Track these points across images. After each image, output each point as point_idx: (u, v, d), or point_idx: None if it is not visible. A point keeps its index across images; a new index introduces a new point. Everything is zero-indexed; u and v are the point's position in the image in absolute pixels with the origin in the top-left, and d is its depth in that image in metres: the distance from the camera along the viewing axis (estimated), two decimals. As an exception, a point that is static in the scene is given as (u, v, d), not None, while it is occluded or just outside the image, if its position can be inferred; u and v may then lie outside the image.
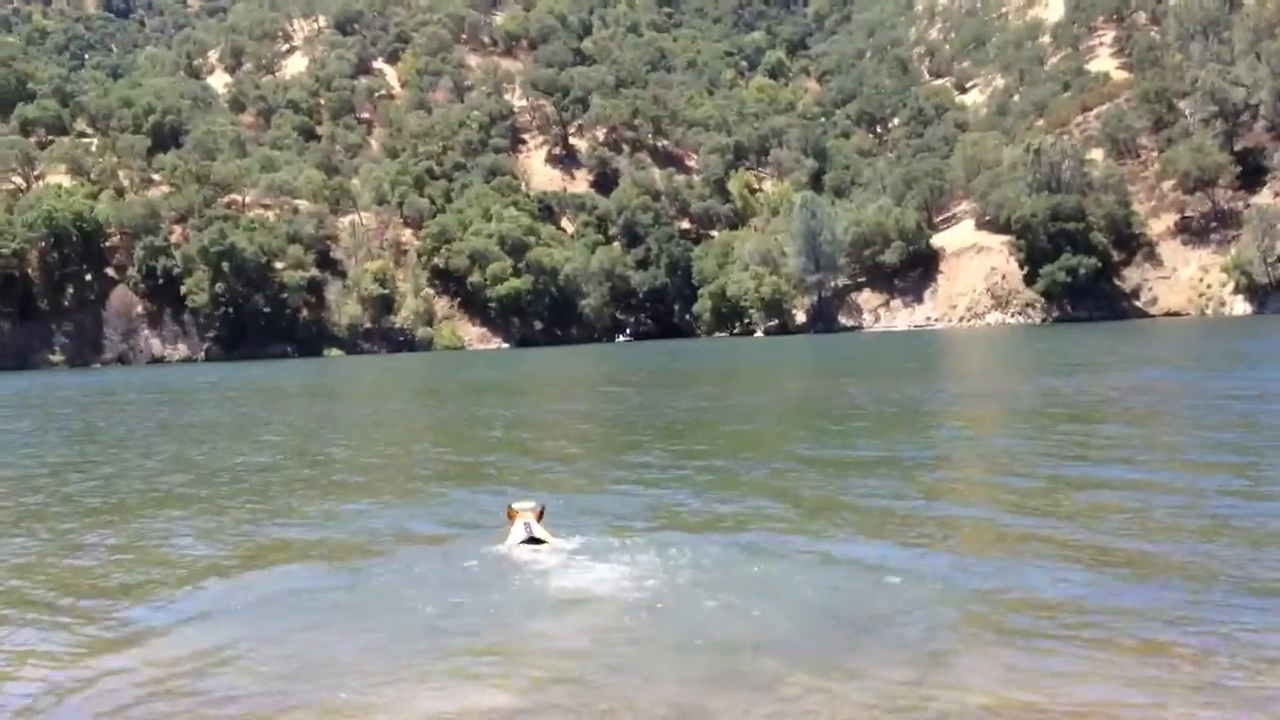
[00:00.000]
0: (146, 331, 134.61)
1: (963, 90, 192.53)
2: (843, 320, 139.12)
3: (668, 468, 15.76)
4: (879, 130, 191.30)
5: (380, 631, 7.68)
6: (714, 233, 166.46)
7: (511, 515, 10.42)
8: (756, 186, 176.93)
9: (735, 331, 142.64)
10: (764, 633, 7.28)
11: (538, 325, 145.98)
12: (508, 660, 7.01)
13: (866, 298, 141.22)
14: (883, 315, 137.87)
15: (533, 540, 10.00)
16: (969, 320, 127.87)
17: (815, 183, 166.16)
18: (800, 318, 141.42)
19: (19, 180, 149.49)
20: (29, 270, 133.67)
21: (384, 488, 14.93)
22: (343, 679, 6.69)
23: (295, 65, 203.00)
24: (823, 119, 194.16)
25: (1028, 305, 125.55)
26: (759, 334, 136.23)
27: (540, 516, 10.34)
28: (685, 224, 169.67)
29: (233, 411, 34.48)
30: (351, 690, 6.49)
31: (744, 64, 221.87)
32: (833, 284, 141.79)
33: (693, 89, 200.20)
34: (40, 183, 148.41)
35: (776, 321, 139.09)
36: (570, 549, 9.93)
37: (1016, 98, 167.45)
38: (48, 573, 10.11)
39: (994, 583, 8.45)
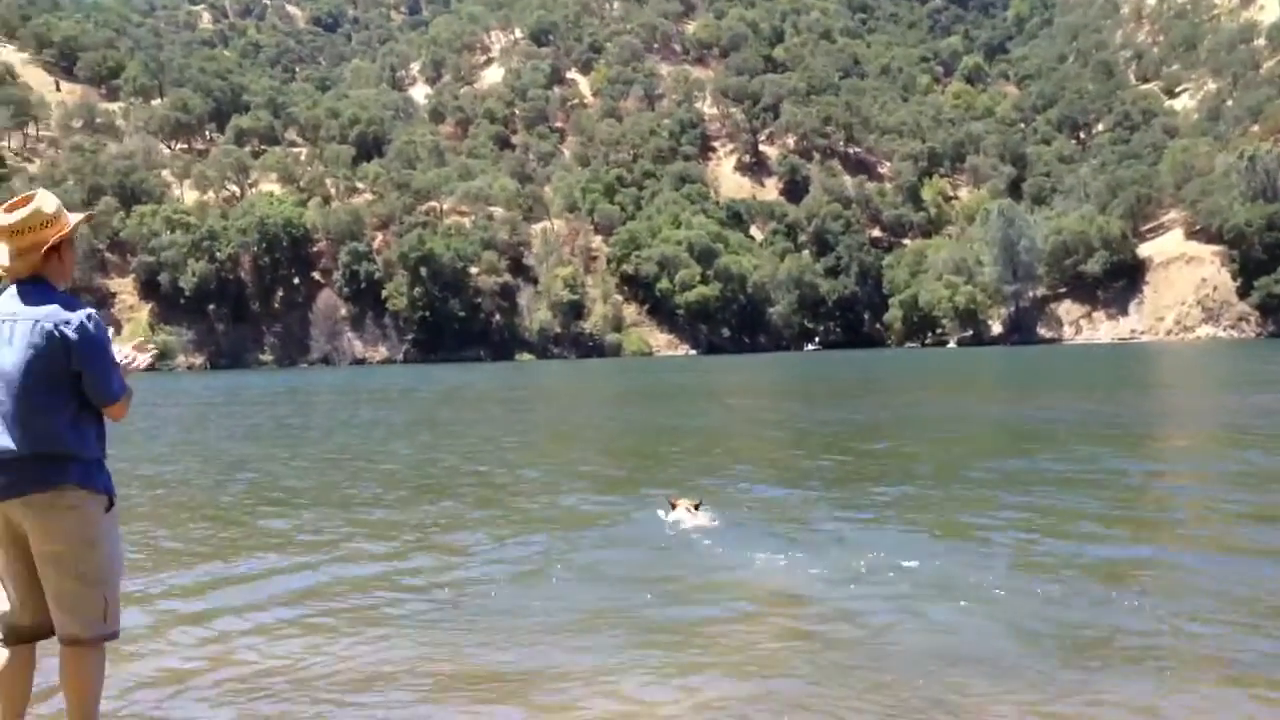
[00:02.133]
0: (349, 333, 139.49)
1: (1172, 95, 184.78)
2: (1041, 331, 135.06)
3: (861, 476, 15.34)
4: (1082, 136, 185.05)
5: (585, 619, 7.55)
6: (906, 241, 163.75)
7: (674, 504, 10.96)
8: (951, 194, 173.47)
9: (927, 342, 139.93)
10: (971, 644, 6.79)
11: (725, 333, 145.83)
12: (711, 652, 6.74)
13: (1067, 309, 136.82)
14: (1084, 327, 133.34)
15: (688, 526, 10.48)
16: (1177, 334, 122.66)
17: (1013, 190, 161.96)
18: (995, 328, 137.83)
19: (234, 188, 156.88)
20: (242, 274, 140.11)
21: (570, 483, 14.85)
22: (546, 664, 6.54)
23: (492, 76, 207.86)
24: (1022, 124, 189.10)
25: (1241, 319, 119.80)
26: (951, 344, 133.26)
27: (697, 508, 10.82)
28: (876, 232, 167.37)
29: (472, 411, 35.21)
30: (558, 676, 6.32)
31: (940, 69, 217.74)
32: (1031, 294, 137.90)
33: (886, 95, 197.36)
34: (253, 190, 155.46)
35: (970, 332, 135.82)
36: (755, 549, 9.69)
37: (1230, 102, 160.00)
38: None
39: (1222, 601, 7.75)
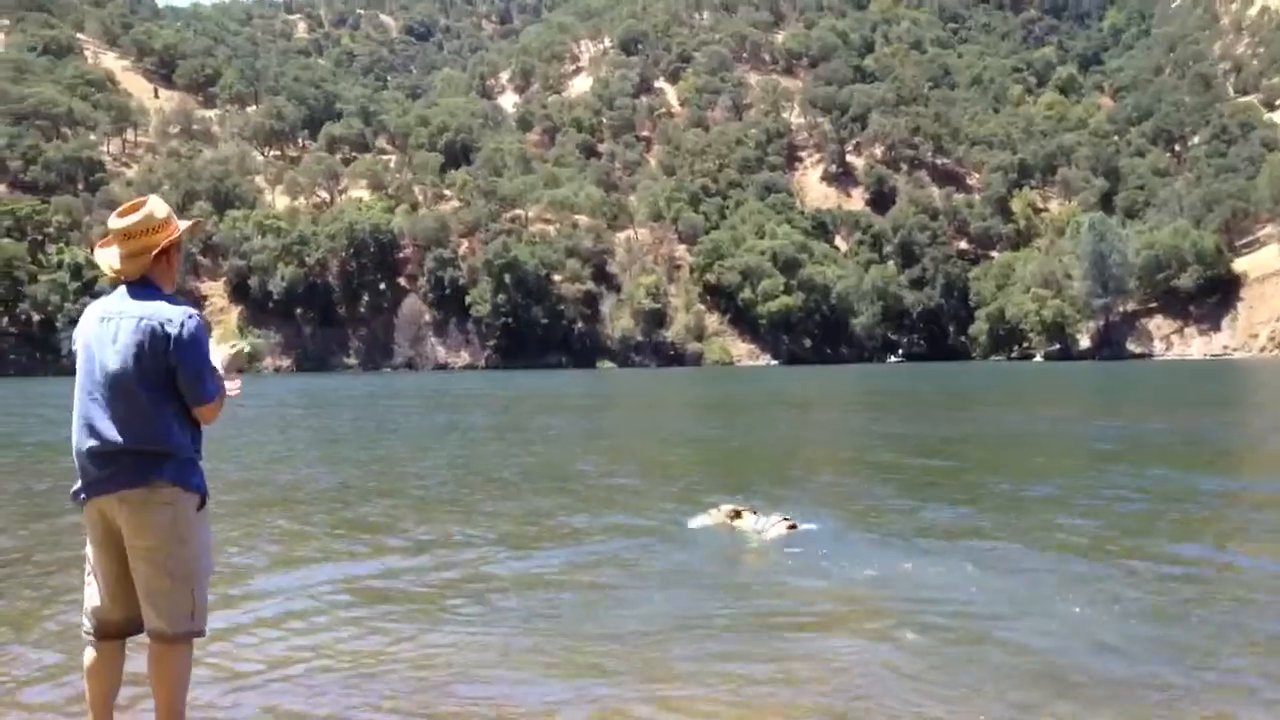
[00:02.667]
0: (433, 339, 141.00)
1: (1271, 108, 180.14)
2: (1130, 347, 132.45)
3: (941, 490, 15.05)
4: (1177, 149, 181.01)
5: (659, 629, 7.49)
6: (994, 253, 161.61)
7: (731, 515, 10.84)
8: (1041, 206, 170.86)
9: (1013, 355, 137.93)
10: (1050, 661, 6.62)
11: (807, 343, 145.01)
12: (784, 664, 6.64)
13: (1158, 324, 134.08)
14: (1175, 343, 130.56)
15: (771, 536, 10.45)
16: (1271, 350, 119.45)
17: (1105, 203, 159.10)
18: (1084, 343, 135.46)
19: (324, 194, 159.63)
20: (330, 279, 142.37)
21: (652, 490, 14.77)
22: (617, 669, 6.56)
23: (580, 85, 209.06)
24: (1115, 137, 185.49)
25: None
26: (1038, 358, 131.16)
27: (738, 516, 10.83)
28: (963, 244, 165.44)
29: (553, 416, 35.41)
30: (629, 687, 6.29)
31: (1032, 80, 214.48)
32: (1121, 309, 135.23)
33: (977, 106, 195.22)
34: (343, 196, 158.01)
35: (1057, 346, 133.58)
36: (829, 560, 9.62)
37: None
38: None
39: None
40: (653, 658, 6.78)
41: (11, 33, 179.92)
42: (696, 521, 11.02)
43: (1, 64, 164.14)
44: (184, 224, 4.93)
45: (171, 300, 4.72)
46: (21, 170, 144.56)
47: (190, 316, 4.66)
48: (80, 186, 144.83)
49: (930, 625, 7.48)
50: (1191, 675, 6.33)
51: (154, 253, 4.74)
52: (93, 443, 4.59)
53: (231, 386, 4.93)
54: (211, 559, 4.88)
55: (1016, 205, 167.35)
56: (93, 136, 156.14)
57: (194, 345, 4.62)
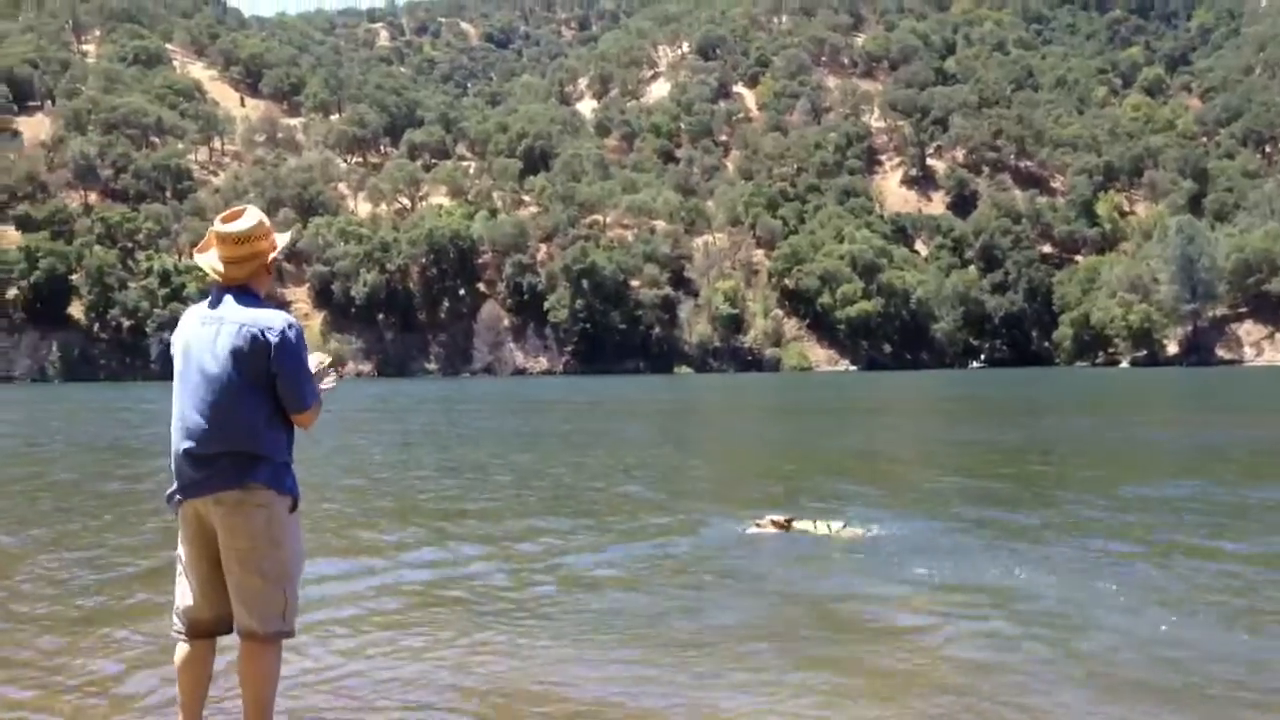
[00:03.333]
0: (511, 344, 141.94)
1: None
2: (1219, 353, 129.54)
3: (1017, 498, 14.85)
4: (1267, 150, 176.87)
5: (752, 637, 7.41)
6: (1078, 257, 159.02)
7: (781, 525, 10.72)
8: (1127, 209, 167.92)
9: (1097, 361, 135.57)
10: (1124, 675, 6.43)
11: (887, 349, 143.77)
12: (849, 672, 6.53)
13: (1248, 329, 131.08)
14: (1266, 349, 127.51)
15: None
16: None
17: (1194, 205, 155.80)
18: (1171, 349, 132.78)
19: (405, 200, 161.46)
20: (410, 285, 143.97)
21: (722, 495, 14.70)
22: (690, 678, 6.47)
23: (658, 90, 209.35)
24: (1204, 138, 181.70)
25: None
26: (1124, 364, 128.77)
27: (789, 524, 10.77)
28: (1047, 247, 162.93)
29: (632, 422, 35.49)
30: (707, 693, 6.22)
31: (1118, 81, 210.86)
32: (1210, 314, 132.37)
33: (1061, 108, 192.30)
34: (423, 203, 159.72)
35: (1144, 352, 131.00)
36: (896, 567, 9.47)
37: None
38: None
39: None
40: (737, 662, 6.71)
41: (103, 43, 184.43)
42: (753, 529, 10.89)
43: (93, 74, 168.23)
44: (284, 236, 5.03)
45: (272, 309, 4.77)
46: (112, 178, 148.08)
47: (291, 325, 4.71)
48: (169, 194, 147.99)
49: (1016, 631, 7.34)
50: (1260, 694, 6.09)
51: (266, 259, 4.84)
52: (190, 445, 4.66)
53: (328, 381, 5.03)
54: (302, 561, 4.93)
55: (1102, 208, 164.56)
56: (181, 145, 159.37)
57: (293, 353, 4.67)
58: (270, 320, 4.68)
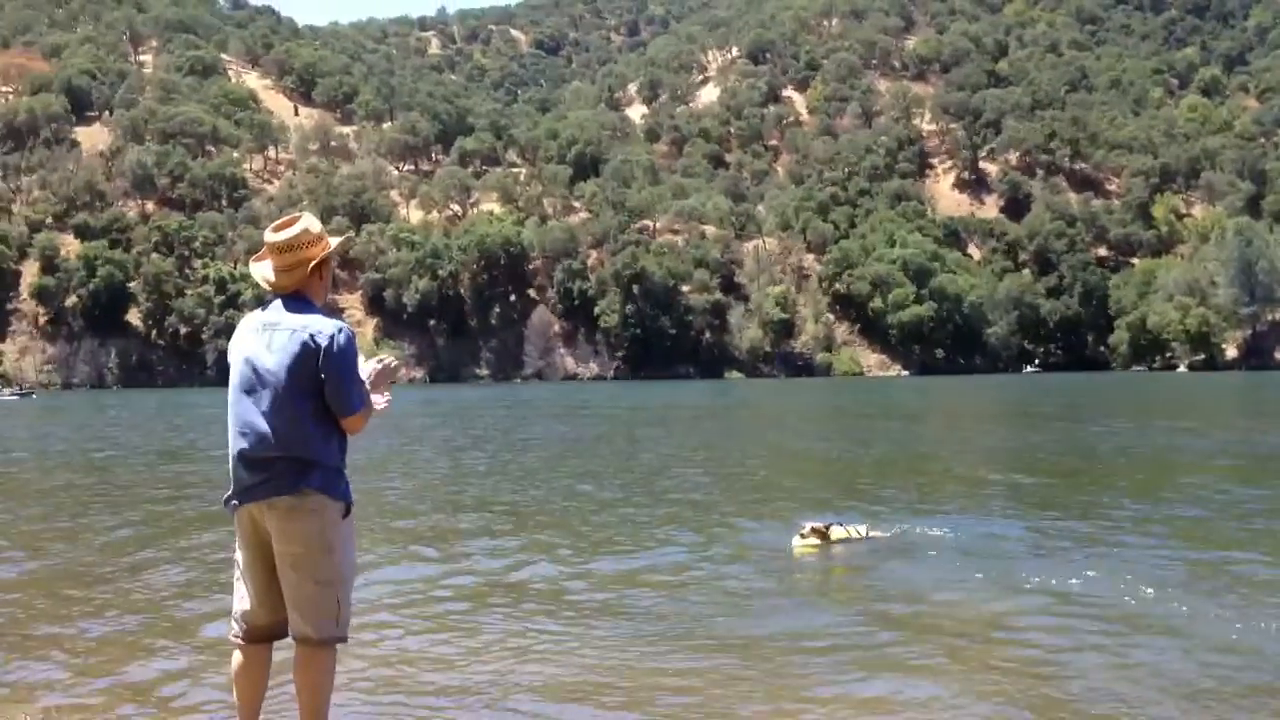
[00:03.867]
0: (562, 349, 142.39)
1: None
2: (1279, 356, 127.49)
3: (1070, 503, 14.65)
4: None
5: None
6: (1134, 260, 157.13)
7: (819, 534, 10.53)
8: (1184, 211, 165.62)
9: (1154, 365, 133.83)
10: (1183, 685, 6.27)
11: (939, 353, 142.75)
12: (900, 676, 6.47)
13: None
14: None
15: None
16: None
17: (1252, 207, 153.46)
18: (1230, 352, 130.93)
19: (456, 207, 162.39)
20: (461, 291, 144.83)
21: (770, 501, 14.62)
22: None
23: (708, 95, 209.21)
24: (1262, 139, 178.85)
25: None
26: (1181, 369, 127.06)
27: (828, 531, 10.60)
28: (1103, 251, 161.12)
29: (684, 427, 35.48)
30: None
31: (1174, 82, 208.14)
32: (1269, 317, 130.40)
33: (1115, 109, 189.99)
34: (474, 210, 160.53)
35: (1202, 356, 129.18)
36: (943, 573, 9.34)
37: None
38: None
39: None
40: (792, 670, 6.65)
41: (159, 54, 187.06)
42: (796, 540, 10.66)
43: (150, 84, 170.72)
44: (336, 241, 5.02)
45: (325, 315, 4.80)
46: (169, 187, 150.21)
47: (341, 330, 4.73)
48: (224, 203, 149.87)
49: (1088, 640, 7.19)
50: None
51: (310, 266, 4.84)
52: (244, 450, 4.69)
53: (379, 400, 4.96)
54: (355, 566, 4.95)
55: (1158, 211, 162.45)
56: (236, 154, 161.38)
57: (342, 358, 4.69)
58: (322, 325, 4.70)
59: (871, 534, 10.97)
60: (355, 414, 4.75)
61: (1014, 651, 7.05)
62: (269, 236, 4.86)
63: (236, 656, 4.87)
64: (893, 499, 14.73)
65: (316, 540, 4.67)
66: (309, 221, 4.91)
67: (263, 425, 4.65)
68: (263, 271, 4.91)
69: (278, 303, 4.82)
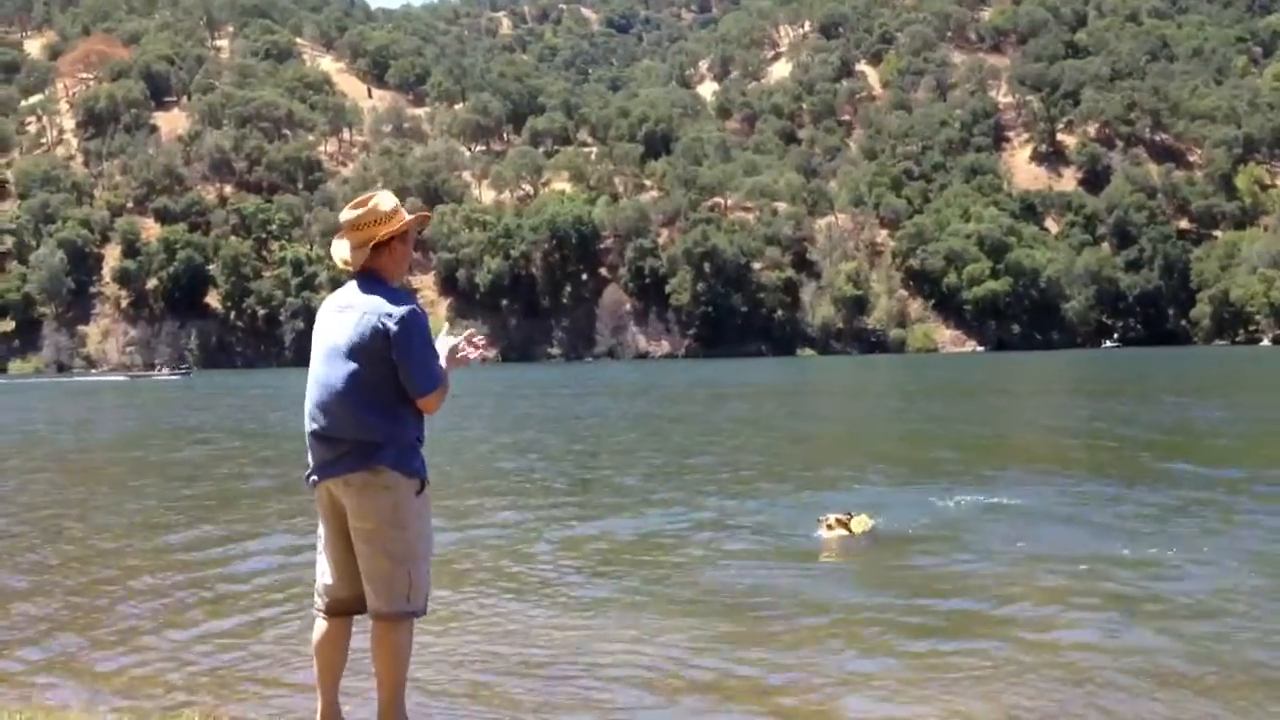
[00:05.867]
0: (633, 328, 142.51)
1: None
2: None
3: (1142, 481, 14.36)
4: None
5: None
6: (1217, 232, 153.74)
7: (840, 524, 10.08)
8: (1268, 182, 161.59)
9: (1237, 339, 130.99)
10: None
11: (1015, 329, 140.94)
12: (998, 661, 6.33)
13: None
14: None
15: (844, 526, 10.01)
16: None
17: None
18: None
19: (528, 187, 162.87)
20: (533, 270, 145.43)
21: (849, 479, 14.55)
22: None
23: (779, 71, 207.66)
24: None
25: None
26: (1265, 342, 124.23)
27: (850, 520, 10.19)
28: (1184, 223, 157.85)
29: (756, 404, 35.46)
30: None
31: (1258, 50, 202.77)
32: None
33: (1197, 78, 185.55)
34: (546, 189, 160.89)
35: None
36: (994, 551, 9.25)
37: None
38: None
39: None
40: (825, 640, 6.67)
41: (235, 39, 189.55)
42: (821, 531, 10.16)
43: (227, 69, 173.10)
44: (410, 218, 4.99)
45: (395, 295, 4.80)
46: (246, 171, 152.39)
47: (410, 310, 4.73)
48: (300, 185, 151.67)
49: (1156, 619, 7.07)
50: None
51: (372, 244, 4.82)
52: (319, 428, 4.75)
53: (472, 354, 5.02)
54: (431, 542, 4.95)
55: (1241, 182, 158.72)
56: (311, 137, 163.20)
57: (411, 338, 4.69)
58: (389, 307, 4.71)
59: (870, 525, 10.42)
60: (430, 394, 4.76)
61: (1056, 631, 6.94)
62: (342, 215, 4.90)
63: (317, 628, 4.94)
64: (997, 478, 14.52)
65: (389, 516, 4.70)
66: (381, 198, 4.93)
67: (336, 404, 4.70)
68: (339, 251, 4.95)
69: (352, 283, 4.86)
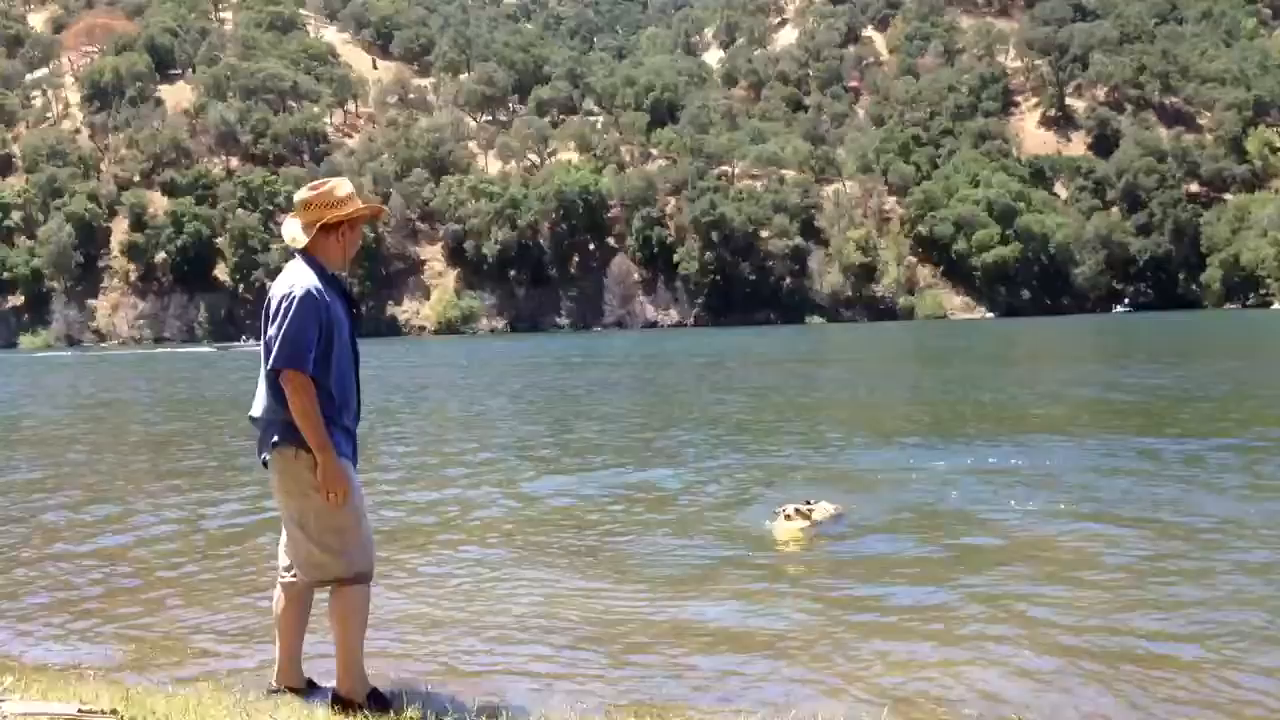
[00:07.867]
0: (641, 297, 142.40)
1: None
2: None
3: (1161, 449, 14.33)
4: None
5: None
6: (1227, 196, 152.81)
7: (800, 515, 9.44)
8: (1279, 145, 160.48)
9: (1248, 303, 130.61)
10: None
11: (1025, 295, 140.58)
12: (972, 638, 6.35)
13: None
14: None
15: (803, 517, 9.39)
16: None
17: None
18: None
19: (534, 157, 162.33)
20: (541, 241, 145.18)
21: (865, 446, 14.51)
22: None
23: (786, 37, 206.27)
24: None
25: None
26: (1276, 306, 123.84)
27: (810, 508, 9.56)
28: (1194, 187, 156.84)
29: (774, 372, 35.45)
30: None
31: (1267, 12, 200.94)
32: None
33: (1207, 41, 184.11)
34: (552, 159, 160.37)
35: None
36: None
37: None
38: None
39: None
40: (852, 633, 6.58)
41: (240, 10, 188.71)
42: (779, 523, 9.50)
43: (231, 41, 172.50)
44: (362, 208, 5.13)
45: (301, 276, 4.89)
46: (252, 143, 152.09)
47: (291, 288, 4.83)
48: (306, 157, 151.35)
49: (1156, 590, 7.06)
50: None
51: (318, 226, 4.95)
52: (252, 410, 5.02)
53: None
54: (356, 509, 4.98)
55: (1252, 145, 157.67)
56: (316, 109, 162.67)
57: (280, 317, 4.79)
58: (283, 288, 4.86)
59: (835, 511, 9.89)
60: (282, 369, 4.76)
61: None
62: (297, 195, 5.05)
63: (277, 589, 5.24)
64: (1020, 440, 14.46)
65: (294, 490, 4.90)
66: (338, 183, 5.05)
67: (258, 384, 4.96)
68: (288, 230, 5.08)
69: (289, 263, 5.03)
